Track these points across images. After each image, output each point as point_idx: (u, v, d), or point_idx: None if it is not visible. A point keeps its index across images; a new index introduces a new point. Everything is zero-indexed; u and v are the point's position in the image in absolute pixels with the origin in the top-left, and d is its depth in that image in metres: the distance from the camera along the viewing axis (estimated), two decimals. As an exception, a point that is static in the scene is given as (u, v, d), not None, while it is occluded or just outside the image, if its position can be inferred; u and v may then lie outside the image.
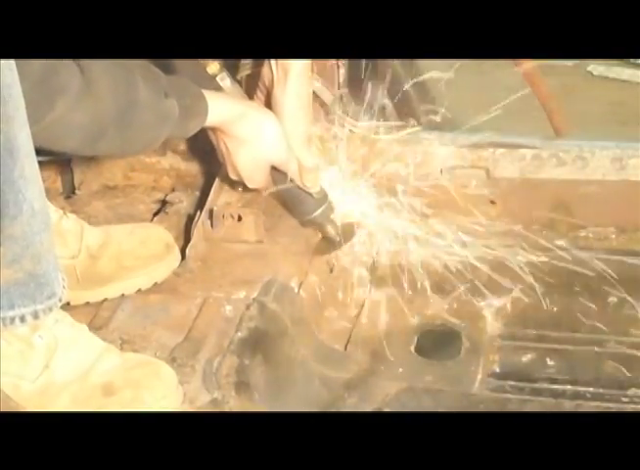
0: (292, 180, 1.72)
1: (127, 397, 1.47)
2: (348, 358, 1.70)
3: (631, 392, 1.56)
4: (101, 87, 1.44)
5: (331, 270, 1.83)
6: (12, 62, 1.30)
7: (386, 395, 1.61)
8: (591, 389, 1.58)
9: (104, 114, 1.46)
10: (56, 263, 1.46)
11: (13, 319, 1.43)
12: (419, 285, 1.79)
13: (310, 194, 1.75)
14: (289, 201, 1.79)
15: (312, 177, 1.73)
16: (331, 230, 1.78)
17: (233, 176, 1.73)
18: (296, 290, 1.73)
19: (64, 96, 1.39)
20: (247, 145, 1.67)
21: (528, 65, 2.01)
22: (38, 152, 1.40)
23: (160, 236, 1.78)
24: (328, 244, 1.80)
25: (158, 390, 1.49)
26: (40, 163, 1.39)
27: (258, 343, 1.61)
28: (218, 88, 1.69)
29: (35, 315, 1.44)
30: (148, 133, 1.54)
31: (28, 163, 1.37)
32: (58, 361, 1.48)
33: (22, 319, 1.44)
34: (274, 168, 1.72)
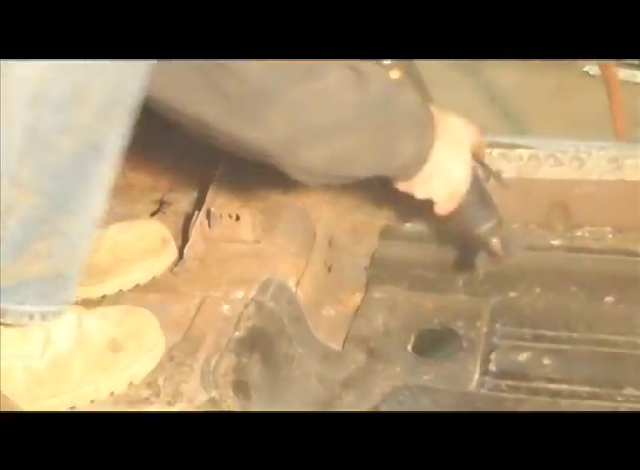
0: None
1: (134, 347, 1.50)
2: (346, 357, 1.70)
3: (627, 391, 1.57)
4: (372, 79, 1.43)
5: (328, 269, 1.83)
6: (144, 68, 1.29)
7: (383, 393, 1.61)
8: (587, 388, 1.59)
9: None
10: (80, 270, 1.45)
11: (21, 315, 1.42)
12: (416, 284, 1.80)
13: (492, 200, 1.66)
14: (469, 208, 1.64)
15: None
16: (497, 244, 1.66)
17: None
18: (293, 289, 1.73)
19: (337, 95, 1.40)
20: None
21: (609, 63, 2.04)
22: None
23: (156, 230, 1.78)
24: (491, 259, 1.68)
25: (153, 333, 1.53)
26: None
27: (256, 342, 1.61)
28: None
29: (44, 317, 1.44)
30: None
31: (108, 168, 1.36)
32: (57, 331, 1.48)
33: (31, 317, 1.42)
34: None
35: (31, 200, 1.32)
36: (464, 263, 1.76)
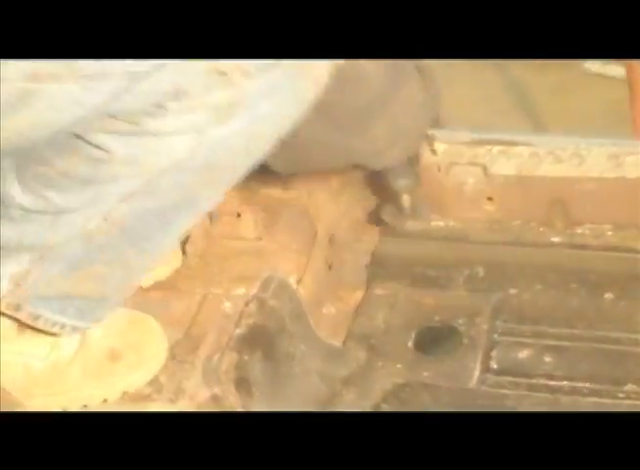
0: None
1: (133, 358, 1.50)
2: (346, 355, 1.70)
3: (628, 387, 1.57)
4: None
5: (329, 267, 1.83)
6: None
7: (383, 391, 1.62)
8: (588, 385, 1.59)
9: None
10: (124, 298, 1.48)
11: (54, 324, 1.43)
12: (416, 281, 1.81)
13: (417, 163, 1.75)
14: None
15: None
16: (407, 200, 1.76)
17: None
18: (294, 286, 1.74)
19: (417, 99, 1.50)
20: None
21: (634, 63, 2.07)
22: None
23: None
24: (398, 214, 1.79)
25: (154, 346, 1.53)
26: None
27: (257, 339, 1.61)
28: None
29: (74, 329, 1.45)
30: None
31: (193, 220, 1.41)
32: (65, 337, 1.48)
33: (62, 327, 1.44)
34: None
35: (109, 231, 1.36)
36: (374, 217, 1.84)
